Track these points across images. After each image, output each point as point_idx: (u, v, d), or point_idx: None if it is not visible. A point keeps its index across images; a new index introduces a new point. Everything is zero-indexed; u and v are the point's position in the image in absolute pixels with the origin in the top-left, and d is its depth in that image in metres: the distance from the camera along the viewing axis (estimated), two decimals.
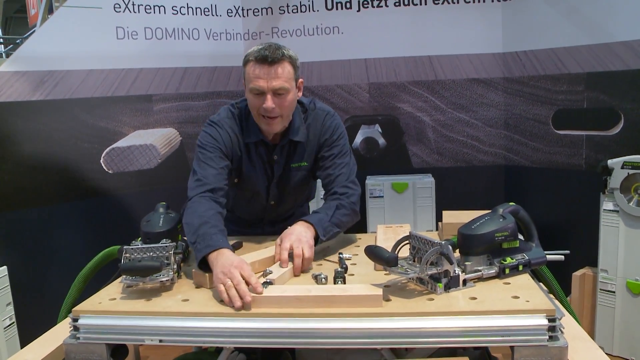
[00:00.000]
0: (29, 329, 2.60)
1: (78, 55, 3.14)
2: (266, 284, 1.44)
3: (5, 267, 2.73)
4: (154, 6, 3.38)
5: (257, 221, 2.21)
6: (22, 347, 1.76)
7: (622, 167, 2.75)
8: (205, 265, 1.54)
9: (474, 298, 1.34)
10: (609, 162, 2.80)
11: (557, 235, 3.33)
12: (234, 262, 1.46)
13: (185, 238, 1.93)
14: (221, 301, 1.39)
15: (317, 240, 1.76)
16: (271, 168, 2.00)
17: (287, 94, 1.83)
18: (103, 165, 3.27)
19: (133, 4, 3.29)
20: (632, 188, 2.74)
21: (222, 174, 1.86)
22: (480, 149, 3.76)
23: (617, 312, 2.87)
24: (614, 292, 2.87)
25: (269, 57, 1.76)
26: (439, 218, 3.58)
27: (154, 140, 3.45)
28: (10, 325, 2.73)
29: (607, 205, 2.86)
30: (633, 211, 2.74)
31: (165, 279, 1.49)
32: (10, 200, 2.95)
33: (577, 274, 3.11)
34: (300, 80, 1.92)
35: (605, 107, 3.18)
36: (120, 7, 3.25)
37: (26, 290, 2.93)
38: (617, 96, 3.12)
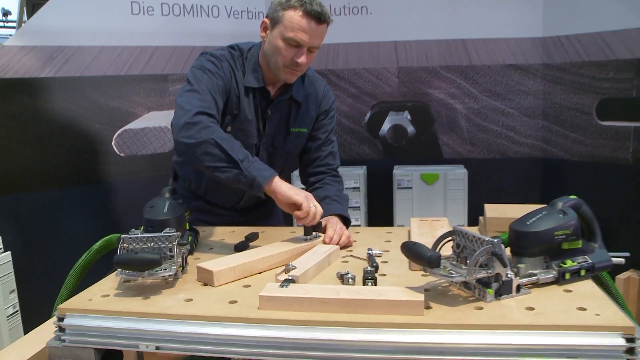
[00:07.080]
0: (33, 317, 2.46)
1: (90, 31, 2.99)
2: (288, 281, 1.24)
3: (9, 252, 2.58)
4: None
5: (231, 204, 2.02)
6: None
7: None
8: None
9: (531, 308, 1.12)
10: None
11: None
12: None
13: (195, 227, 1.73)
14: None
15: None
16: (263, 123, 1.84)
17: (316, 53, 1.79)
18: (114, 147, 3.14)
19: None
20: None
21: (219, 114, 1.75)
22: (515, 140, 3.56)
23: None
24: None
25: (321, 17, 1.68)
26: (471, 212, 3.44)
27: (169, 122, 3.26)
28: (13, 313, 2.58)
29: None
30: None
31: (168, 274, 1.29)
32: (16, 182, 2.83)
33: (621, 277, 2.89)
34: None
35: None
36: None
37: (31, 277, 2.79)
38: None
